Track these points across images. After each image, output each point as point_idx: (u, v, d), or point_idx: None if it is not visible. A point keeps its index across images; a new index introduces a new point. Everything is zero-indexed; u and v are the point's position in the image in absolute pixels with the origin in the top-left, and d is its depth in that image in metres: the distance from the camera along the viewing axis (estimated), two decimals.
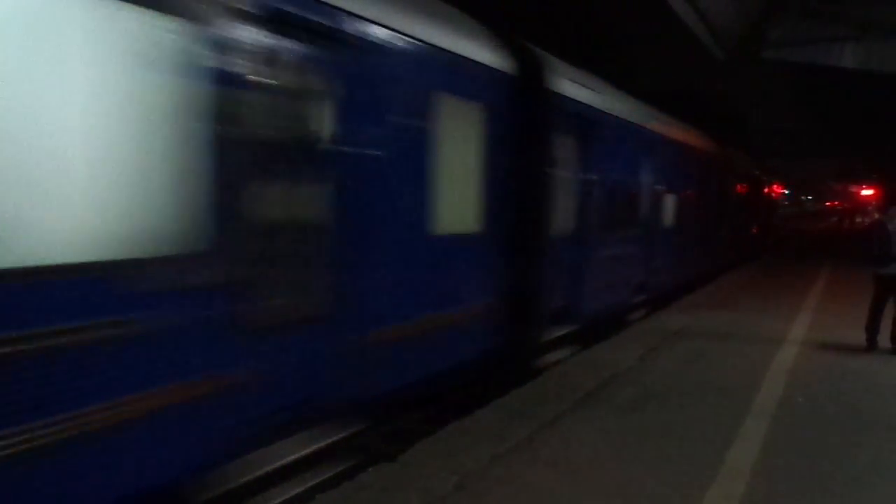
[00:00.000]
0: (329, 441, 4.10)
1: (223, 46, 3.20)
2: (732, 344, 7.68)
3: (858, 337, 7.56)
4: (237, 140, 3.28)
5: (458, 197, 5.22)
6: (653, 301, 10.08)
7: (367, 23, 4.08)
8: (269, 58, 3.49)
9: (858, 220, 42.24)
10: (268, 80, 3.50)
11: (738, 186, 17.23)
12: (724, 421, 4.98)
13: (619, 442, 4.54)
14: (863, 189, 49.32)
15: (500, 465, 4.09)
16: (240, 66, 3.31)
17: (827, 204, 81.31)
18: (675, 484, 3.89)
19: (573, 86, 7.01)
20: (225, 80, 3.20)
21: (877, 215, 8.57)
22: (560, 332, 7.00)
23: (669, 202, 10.68)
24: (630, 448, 4.43)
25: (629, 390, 5.74)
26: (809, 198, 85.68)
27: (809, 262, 17.71)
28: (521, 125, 5.96)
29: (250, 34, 3.35)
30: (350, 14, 3.92)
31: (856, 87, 19.12)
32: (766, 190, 22.97)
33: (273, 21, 3.45)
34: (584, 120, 7.25)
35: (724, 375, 6.31)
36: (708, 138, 13.69)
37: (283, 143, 3.65)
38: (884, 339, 7.36)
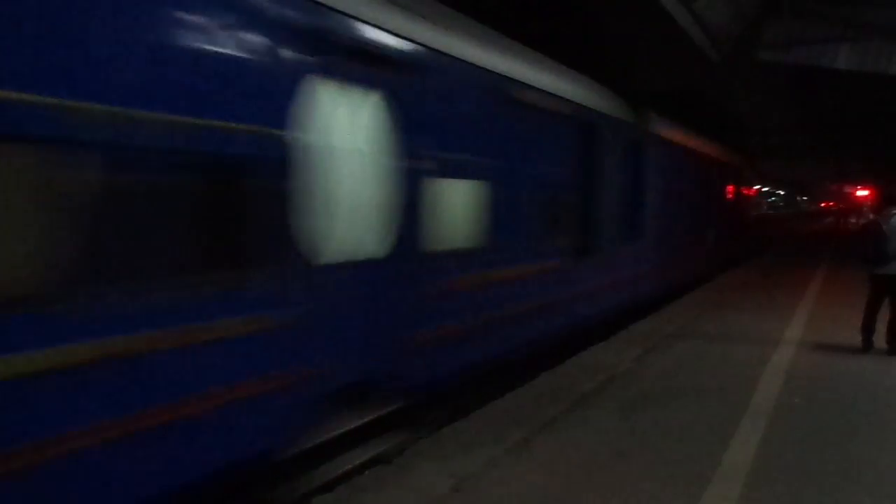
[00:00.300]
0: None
1: None
2: (729, 345, 7.69)
3: (854, 337, 7.57)
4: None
5: None
6: (421, 407, 5.04)
7: None
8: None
9: (853, 220, 42.41)
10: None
11: (678, 176, 11.71)
12: (720, 422, 4.98)
13: (616, 444, 4.54)
14: (858, 190, 49.51)
15: (496, 467, 4.08)
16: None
17: (822, 204, 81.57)
18: (672, 486, 3.88)
19: None
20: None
21: (872, 216, 8.58)
22: None
23: (466, 194, 5.46)
24: (627, 450, 4.43)
25: (626, 392, 5.74)
26: (805, 198, 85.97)
27: (805, 263, 17.75)
28: None
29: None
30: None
31: (850, 88, 19.20)
32: (735, 183, 17.33)
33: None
34: None
35: (721, 376, 6.31)
36: (601, 87, 8.60)
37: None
38: (879, 340, 7.37)
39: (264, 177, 3.57)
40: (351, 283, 4.28)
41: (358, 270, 4.34)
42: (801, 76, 19.28)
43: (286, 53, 3.67)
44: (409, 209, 4.72)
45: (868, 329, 7.48)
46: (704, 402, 5.52)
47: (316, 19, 3.91)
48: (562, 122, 7.26)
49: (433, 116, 4.98)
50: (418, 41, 4.79)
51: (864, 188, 46.68)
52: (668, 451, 4.41)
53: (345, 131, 4.26)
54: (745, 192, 19.92)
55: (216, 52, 3.27)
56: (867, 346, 7.43)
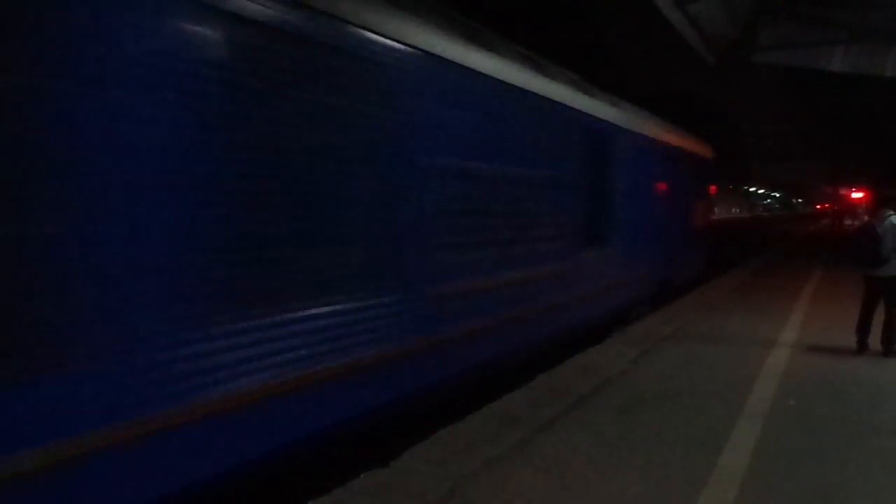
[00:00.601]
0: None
1: None
2: (724, 347, 7.71)
3: (849, 339, 7.60)
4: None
5: None
6: None
7: None
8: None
9: (848, 222, 42.58)
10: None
11: (518, 152, 6.53)
12: (716, 424, 5.00)
13: (612, 446, 4.54)
14: (853, 192, 49.74)
15: (492, 470, 4.09)
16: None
17: (817, 207, 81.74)
18: (667, 489, 3.89)
19: None
20: None
21: (866, 217, 8.61)
22: None
23: None
24: (623, 452, 4.44)
25: (622, 394, 5.75)
26: (800, 201, 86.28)
27: (801, 265, 17.81)
28: None
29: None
30: None
31: (845, 90, 19.28)
32: (678, 179, 11.82)
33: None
34: None
35: (717, 379, 6.33)
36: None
37: None
38: (874, 342, 7.40)
39: None
40: None
41: None
42: (796, 79, 19.36)
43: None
44: None
45: (862, 331, 7.51)
46: (700, 404, 5.53)
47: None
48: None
49: None
50: None
51: (858, 190, 46.88)
52: (664, 454, 4.42)
53: None
54: (698, 192, 13.79)
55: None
56: (862, 348, 7.46)
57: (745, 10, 16.24)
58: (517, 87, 6.38)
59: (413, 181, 4.90)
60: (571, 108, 7.54)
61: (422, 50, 4.98)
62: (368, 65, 4.45)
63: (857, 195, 47.95)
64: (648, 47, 14.70)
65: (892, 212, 7.29)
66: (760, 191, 64.38)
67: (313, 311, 4.02)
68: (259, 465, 3.76)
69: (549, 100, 7.04)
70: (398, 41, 4.73)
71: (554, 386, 5.95)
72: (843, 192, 55.29)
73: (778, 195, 72.91)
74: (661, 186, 11.07)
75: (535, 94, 6.73)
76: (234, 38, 3.53)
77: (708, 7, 14.30)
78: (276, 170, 3.81)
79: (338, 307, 4.20)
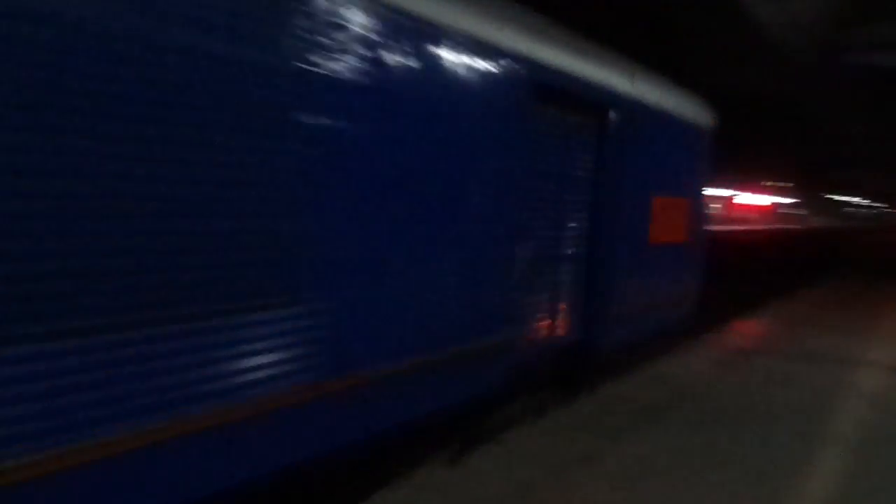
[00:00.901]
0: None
1: None
2: (807, 364, 7.33)
3: None
4: None
5: None
6: None
7: None
8: None
9: None
10: None
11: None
12: (795, 446, 4.75)
13: (683, 462, 4.39)
14: None
15: (559, 476, 4.03)
16: None
17: None
18: None
19: None
20: None
21: None
22: None
23: None
24: (694, 469, 4.28)
25: (695, 408, 5.56)
26: (886, 207, 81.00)
27: (891, 281, 16.74)
28: None
29: None
30: None
31: None
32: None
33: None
34: None
35: (798, 397, 6.02)
36: None
37: None
38: None
39: None
40: None
41: None
42: (887, 80, 18.24)
43: None
44: None
45: None
46: (782, 423, 5.27)
47: None
48: None
49: None
50: None
51: None
52: (736, 474, 4.22)
53: None
54: (673, 180, 6.92)
55: None
56: None
57: (838, 8, 15.42)
58: None
59: None
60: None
61: None
62: None
63: None
64: (730, 42, 14.18)
65: None
66: (853, 199, 60.80)
67: None
68: None
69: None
70: None
71: (624, 396, 5.81)
72: None
73: (875, 204, 68.59)
74: (557, 166, 5.20)
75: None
76: None
77: (797, 3, 13.67)
78: None
79: None
